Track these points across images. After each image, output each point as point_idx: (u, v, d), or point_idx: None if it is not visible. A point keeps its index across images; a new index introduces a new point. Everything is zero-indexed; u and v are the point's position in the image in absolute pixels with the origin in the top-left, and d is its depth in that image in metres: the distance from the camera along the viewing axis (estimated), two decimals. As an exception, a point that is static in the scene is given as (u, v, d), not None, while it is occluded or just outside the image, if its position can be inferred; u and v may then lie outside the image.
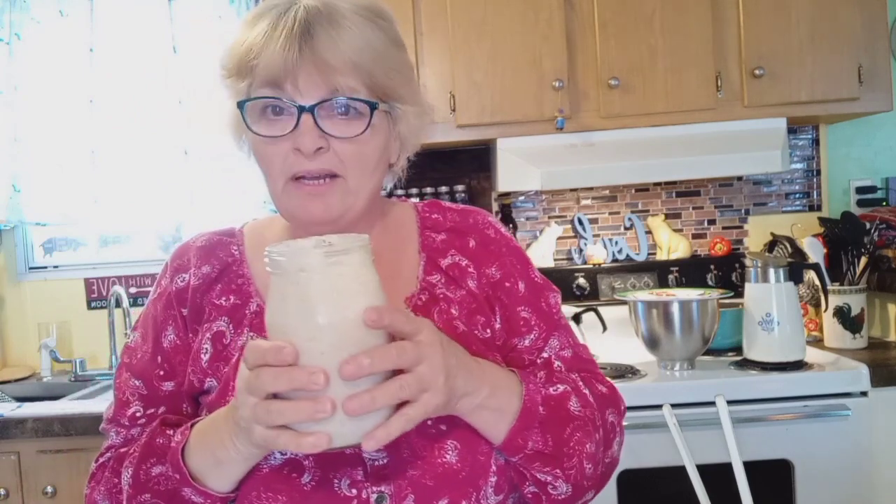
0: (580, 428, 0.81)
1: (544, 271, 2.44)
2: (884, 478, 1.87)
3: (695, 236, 2.55)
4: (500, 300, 0.88)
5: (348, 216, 0.83)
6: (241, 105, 0.81)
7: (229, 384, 0.81)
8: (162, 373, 0.87)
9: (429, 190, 2.47)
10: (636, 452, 1.80)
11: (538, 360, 0.88)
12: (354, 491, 0.76)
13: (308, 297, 0.61)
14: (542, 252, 2.50)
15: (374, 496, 0.76)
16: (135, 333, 0.91)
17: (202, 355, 0.85)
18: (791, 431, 1.82)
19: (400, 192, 2.48)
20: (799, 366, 1.92)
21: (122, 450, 0.85)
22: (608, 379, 0.91)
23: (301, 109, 0.77)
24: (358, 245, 0.64)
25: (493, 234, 0.93)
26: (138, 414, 0.87)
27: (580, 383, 0.85)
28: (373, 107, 0.79)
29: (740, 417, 1.78)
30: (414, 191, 2.47)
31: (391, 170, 0.92)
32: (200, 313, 0.87)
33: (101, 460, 0.88)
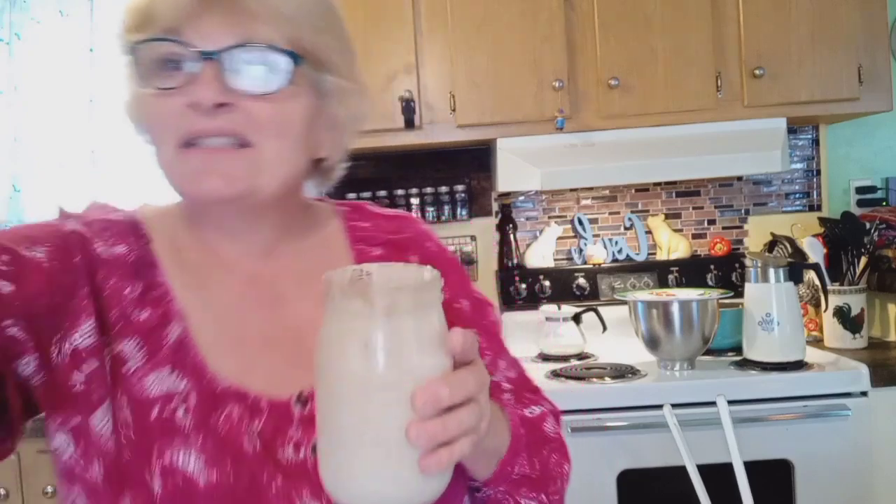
0: (556, 450, 0.78)
1: (544, 271, 2.47)
2: (884, 478, 1.87)
3: (695, 236, 2.55)
4: (451, 322, 0.81)
5: (256, 197, 0.67)
6: (129, 51, 0.65)
7: (148, 444, 0.62)
8: None
9: (429, 190, 2.47)
10: (636, 452, 1.80)
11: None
12: None
13: (414, 340, 0.53)
14: (542, 252, 2.50)
15: None
16: None
17: (75, 374, 0.63)
18: (791, 431, 1.82)
19: (400, 191, 2.48)
20: (799, 366, 1.92)
21: None
22: (546, 397, 0.86)
23: (204, 56, 0.62)
24: (438, 282, 0.55)
25: (433, 248, 0.83)
26: None
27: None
28: (295, 59, 0.65)
29: (740, 417, 1.78)
30: (414, 191, 2.47)
31: (322, 169, 0.76)
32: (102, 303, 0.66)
33: None
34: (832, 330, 2.17)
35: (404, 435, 0.51)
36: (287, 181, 0.68)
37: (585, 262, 2.51)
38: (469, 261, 2.52)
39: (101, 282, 0.66)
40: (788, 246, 2.26)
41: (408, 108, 2.15)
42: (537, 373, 2.01)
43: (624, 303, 2.07)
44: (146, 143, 0.69)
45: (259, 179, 0.66)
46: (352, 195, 2.44)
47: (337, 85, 0.70)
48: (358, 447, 0.52)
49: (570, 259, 2.55)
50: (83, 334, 0.64)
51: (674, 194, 2.56)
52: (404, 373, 0.52)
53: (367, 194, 2.47)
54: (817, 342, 2.22)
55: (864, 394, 1.84)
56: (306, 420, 0.66)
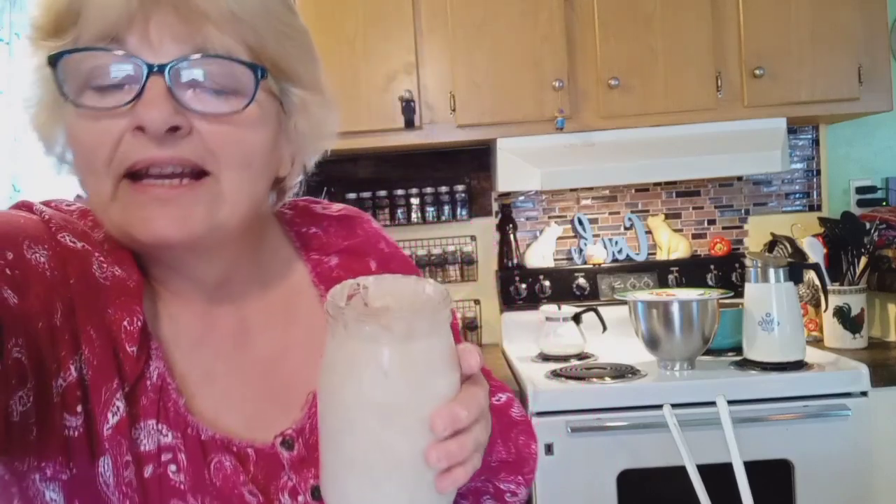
0: (524, 432, 0.78)
1: (544, 271, 2.47)
2: (884, 478, 1.87)
3: (695, 236, 2.55)
4: None
5: (215, 237, 0.58)
6: (54, 62, 0.53)
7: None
8: None
9: (429, 190, 2.47)
10: (636, 452, 1.80)
11: None
12: None
13: (429, 362, 0.51)
14: (543, 252, 2.50)
15: None
16: None
17: (70, 417, 0.54)
18: (791, 431, 1.82)
19: (400, 191, 2.48)
20: (799, 366, 1.92)
21: None
22: (498, 380, 0.85)
23: (150, 69, 0.52)
24: (449, 301, 0.52)
25: (387, 248, 0.79)
26: None
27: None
28: (258, 73, 0.56)
29: (740, 417, 1.78)
30: (414, 191, 2.47)
31: (279, 188, 0.68)
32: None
33: None
34: (832, 330, 2.17)
35: (420, 457, 0.49)
36: (250, 212, 0.60)
37: (585, 262, 2.51)
38: (469, 261, 2.52)
39: (101, 310, 0.56)
40: (788, 246, 2.26)
41: (408, 108, 2.15)
42: (537, 373, 2.01)
43: (624, 303, 2.07)
44: (60, 164, 0.59)
45: (219, 216, 0.57)
46: (352, 195, 2.44)
47: (303, 99, 0.62)
48: (372, 473, 0.50)
49: (570, 259, 2.55)
50: (80, 369, 0.54)
51: (674, 194, 2.56)
52: (421, 396, 0.50)
53: (367, 194, 2.47)
54: (817, 342, 2.22)
55: (864, 394, 1.84)
56: (296, 463, 0.63)
